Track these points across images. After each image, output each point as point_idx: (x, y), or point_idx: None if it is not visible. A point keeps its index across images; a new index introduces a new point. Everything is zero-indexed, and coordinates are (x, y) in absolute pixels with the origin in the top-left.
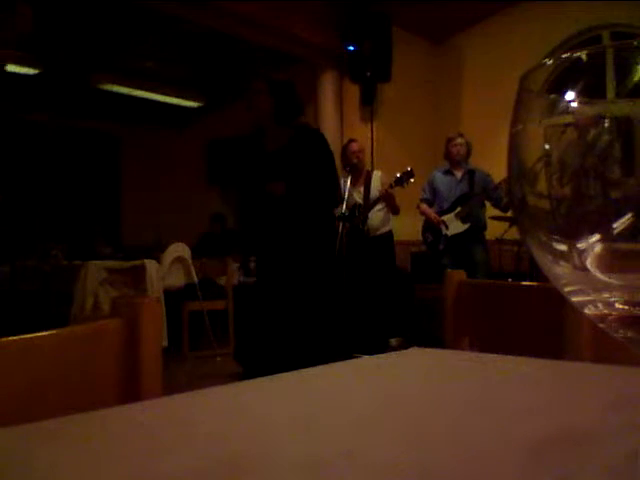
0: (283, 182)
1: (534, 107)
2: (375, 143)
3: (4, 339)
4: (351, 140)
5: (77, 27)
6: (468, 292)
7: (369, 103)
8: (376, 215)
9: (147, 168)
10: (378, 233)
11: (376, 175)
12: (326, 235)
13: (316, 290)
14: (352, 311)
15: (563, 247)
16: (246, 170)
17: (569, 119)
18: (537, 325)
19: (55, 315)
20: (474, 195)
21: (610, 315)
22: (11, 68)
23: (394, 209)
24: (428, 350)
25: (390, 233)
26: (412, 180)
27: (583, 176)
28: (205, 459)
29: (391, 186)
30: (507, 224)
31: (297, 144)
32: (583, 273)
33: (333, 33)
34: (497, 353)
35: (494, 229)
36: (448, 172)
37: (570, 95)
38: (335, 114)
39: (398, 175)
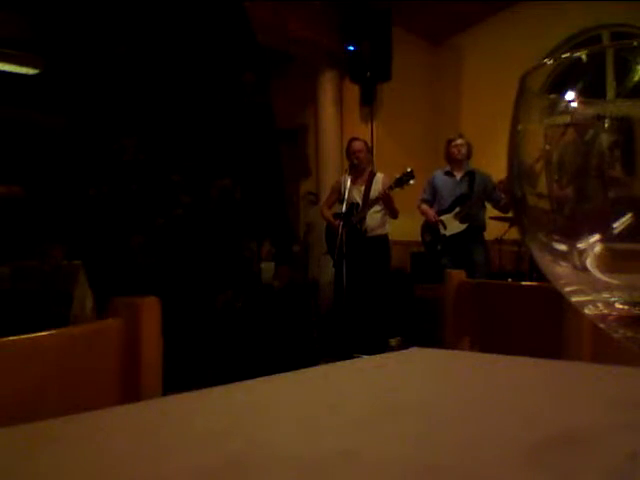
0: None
1: (534, 107)
2: (375, 143)
3: (4, 339)
4: (353, 139)
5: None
6: (468, 292)
7: (369, 103)
8: (373, 216)
9: None
10: (374, 234)
11: (378, 177)
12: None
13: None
14: (352, 311)
15: (563, 247)
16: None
17: (569, 119)
18: (537, 325)
19: (55, 315)
20: (473, 196)
21: (610, 315)
22: None
23: (393, 212)
24: (428, 350)
25: (386, 236)
26: (412, 182)
27: (583, 176)
28: (205, 459)
29: (391, 187)
30: (507, 224)
31: None
32: (583, 273)
33: (333, 33)
34: (497, 353)
35: (494, 229)
36: (448, 173)
37: (570, 95)
38: (335, 114)
39: (398, 176)
